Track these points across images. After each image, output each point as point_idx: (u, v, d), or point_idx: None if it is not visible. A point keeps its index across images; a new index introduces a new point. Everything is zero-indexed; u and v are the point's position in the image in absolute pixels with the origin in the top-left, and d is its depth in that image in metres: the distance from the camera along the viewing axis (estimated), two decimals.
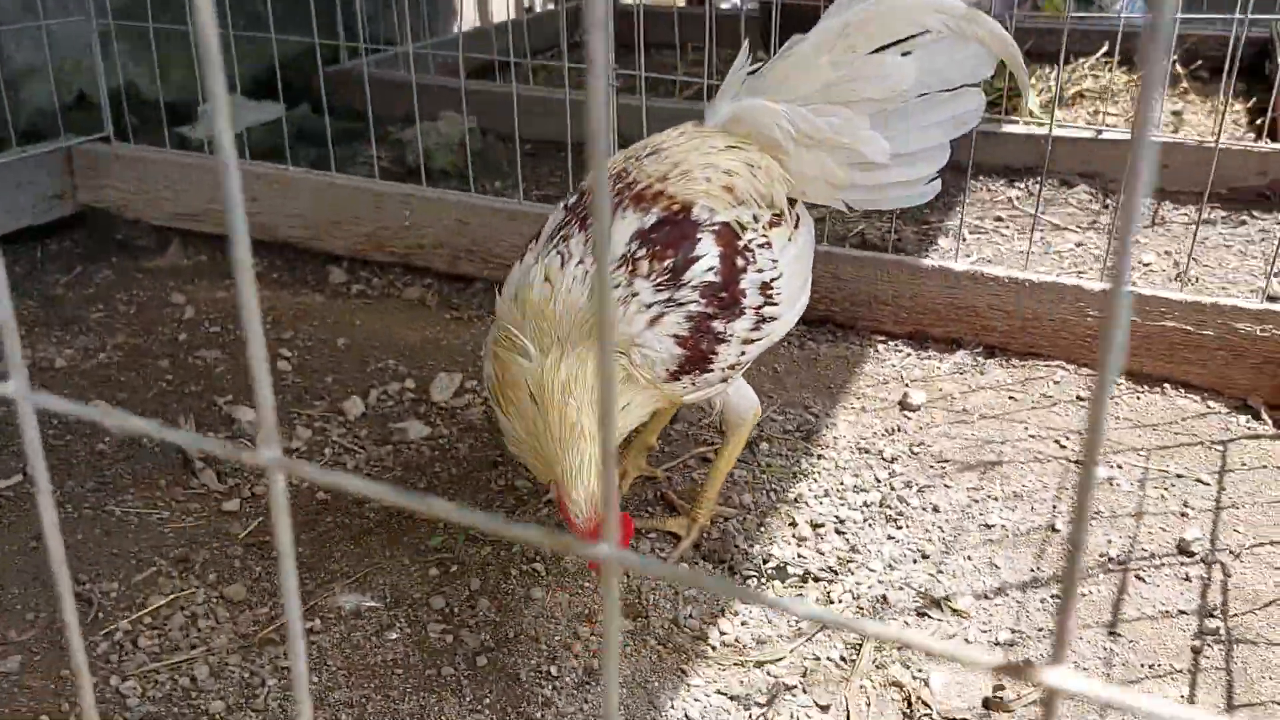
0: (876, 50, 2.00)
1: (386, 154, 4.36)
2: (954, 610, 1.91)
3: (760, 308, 1.91)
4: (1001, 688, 1.74)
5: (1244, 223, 3.56)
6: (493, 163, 4.36)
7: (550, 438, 1.74)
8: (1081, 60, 4.85)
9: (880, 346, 2.81)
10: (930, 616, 1.91)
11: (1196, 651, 1.82)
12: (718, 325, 1.84)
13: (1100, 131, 3.92)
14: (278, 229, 3.48)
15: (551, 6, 6.28)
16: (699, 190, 1.93)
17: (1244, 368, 2.50)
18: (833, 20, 2.00)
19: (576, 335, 1.77)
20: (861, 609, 1.93)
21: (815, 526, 2.14)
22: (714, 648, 1.86)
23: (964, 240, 3.44)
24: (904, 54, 2.01)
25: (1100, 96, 4.66)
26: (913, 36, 2.01)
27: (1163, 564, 2.02)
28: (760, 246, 1.94)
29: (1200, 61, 4.85)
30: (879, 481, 2.28)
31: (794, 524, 2.15)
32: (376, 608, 2.02)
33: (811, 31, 2.03)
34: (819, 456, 2.37)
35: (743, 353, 1.91)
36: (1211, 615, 1.90)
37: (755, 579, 2.02)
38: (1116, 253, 0.43)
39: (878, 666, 1.81)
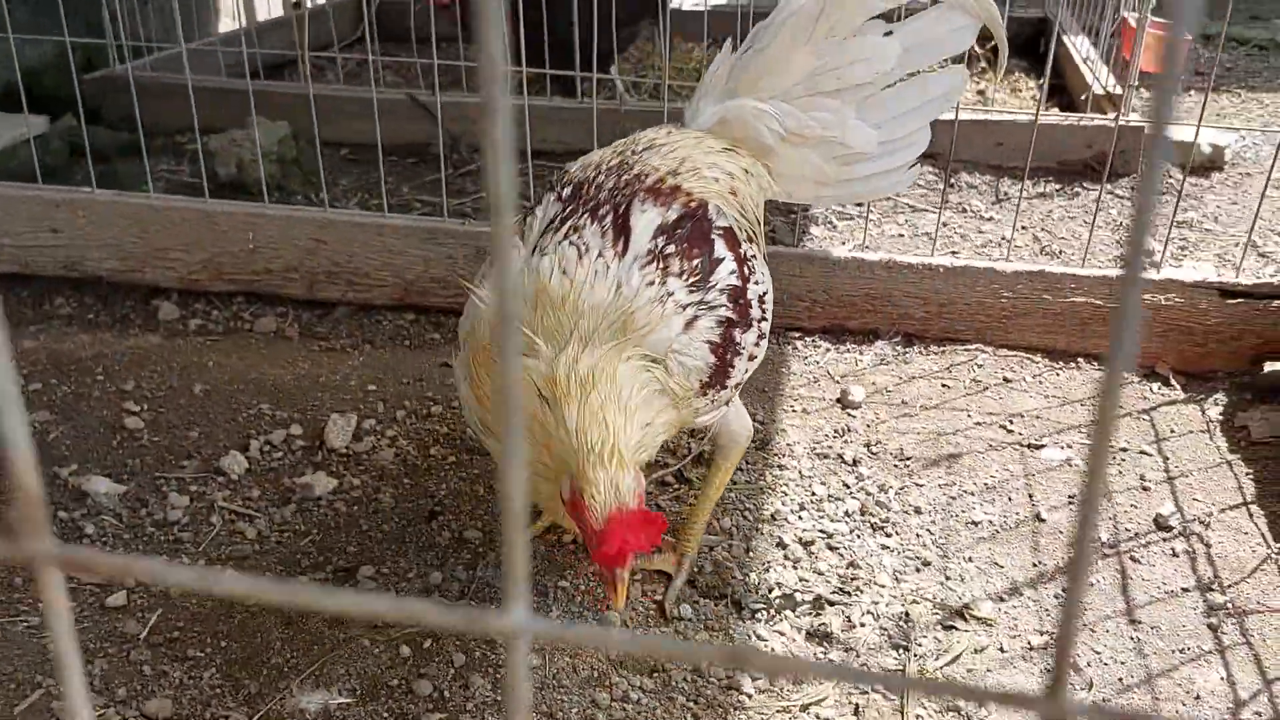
0: (857, 32, 1.88)
1: (188, 167, 3.89)
2: (978, 619, 1.84)
3: (760, 321, 1.77)
4: None
5: (1078, 194, 3.74)
6: (314, 172, 3.98)
7: (565, 430, 1.51)
8: None
9: (798, 343, 2.73)
10: (957, 628, 1.83)
11: (1214, 629, 1.83)
12: (737, 335, 1.68)
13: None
14: (86, 263, 3.00)
15: (323, 2, 5.84)
16: (712, 190, 1.76)
17: (1149, 336, 2.58)
18: (806, 2, 1.87)
19: (603, 332, 1.55)
20: (886, 629, 1.83)
21: (806, 544, 2.02)
22: (749, 696, 1.70)
23: (834, 227, 3.42)
24: (885, 34, 1.91)
25: None
26: (892, 12, 1.91)
27: (1148, 542, 2.04)
28: (752, 258, 1.79)
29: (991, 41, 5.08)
30: (849, 488, 2.19)
31: (783, 545, 2.03)
32: (348, 704, 1.73)
33: (782, 16, 1.89)
34: (780, 467, 2.25)
35: (747, 369, 1.76)
36: (1210, 589, 1.92)
37: (764, 611, 1.88)
38: (1131, 245, 0.41)
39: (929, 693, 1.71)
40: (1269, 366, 2.56)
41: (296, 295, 2.98)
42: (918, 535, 2.04)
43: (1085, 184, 3.79)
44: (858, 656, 1.76)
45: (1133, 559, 1.99)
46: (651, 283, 1.60)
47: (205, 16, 5.40)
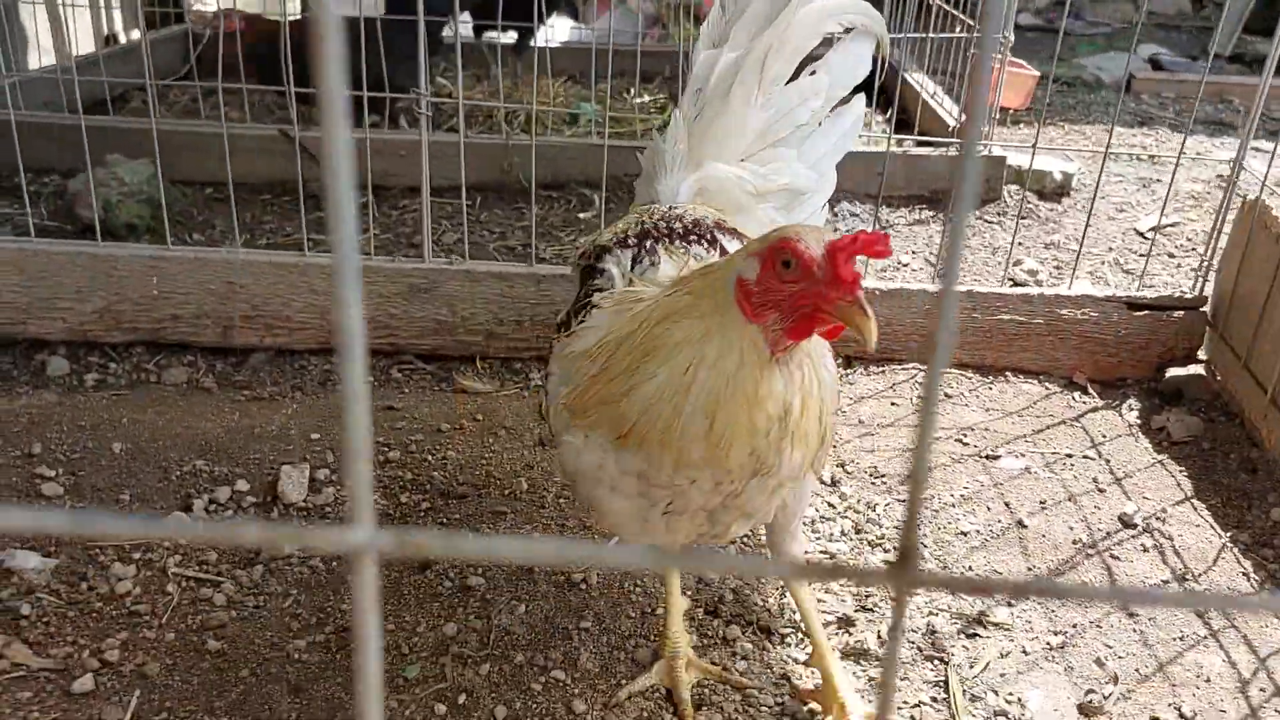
0: (794, 76, 1.94)
1: (44, 210, 3.58)
2: (995, 624, 1.91)
3: None
4: (1092, 692, 1.76)
5: (951, 220, 3.96)
6: (183, 212, 3.74)
7: None
8: None
9: None
10: (980, 635, 1.89)
11: (1201, 615, 1.97)
12: None
13: None
14: None
15: (136, 35, 5.50)
16: (751, 231, 1.76)
17: (1067, 349, 2.77)
18: (746, 56, 1.88)
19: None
20: (914, 642, 1.87)
21: None
22: None
23: None
24: (810, 72, 1.96)
25: None
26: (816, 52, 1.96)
27: (1120, 540, 2.17)
28: None
29: None
30: (836, 508, 2.23)
31: None
32: None
33: (726, 78, 1.90)
34: None
35: None
36: (1185, 579, 2.07)
37: (793, 634, 1.88)
38: (947, 258, 0.48)
39: (973, 699, 1.75)
40: (1171, 372, 2.79)
41: (207, 343, 2.78)
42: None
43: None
44: (900, 669, 1.79)
45: (1113, 557, 2.11)
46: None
47: (13, 51, 4.99)
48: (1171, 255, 3.69)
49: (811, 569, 0.51)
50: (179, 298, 2.73)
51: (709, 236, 1.67)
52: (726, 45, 1.95)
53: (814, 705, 1.72)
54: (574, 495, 2.19)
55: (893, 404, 2.64)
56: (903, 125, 5.05)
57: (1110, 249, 3.73)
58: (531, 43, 5.24)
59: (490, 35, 5.05)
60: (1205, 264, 2.77)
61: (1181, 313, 2.74)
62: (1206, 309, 2.75)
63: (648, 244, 1.65)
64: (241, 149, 3.83)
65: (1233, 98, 5.97)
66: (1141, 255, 3.63)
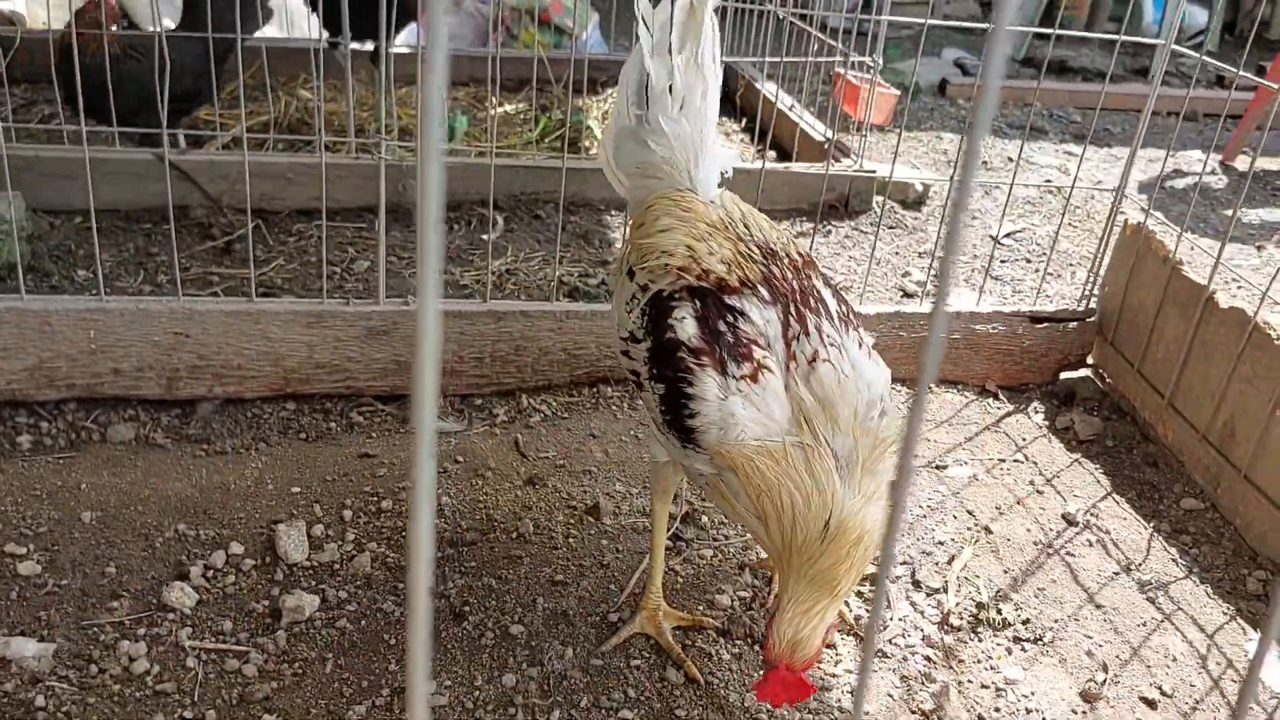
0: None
1: None
2: (994, 625, 2.14)
3: None
4: (1090, 680, 2.02)
5: (830, 231, 4.22)
6: (59, 247, 3.52)
7: (834, 575, 1.65)
8: (609, 90, 5.24)
9: None
10: (980, 634, 2.11)
11: (1152, 601, 2.26)
12: None
13: None
14: None
15: None
16: (798, 246, 1.91)
17: (980, 360, 3.05)
18: (698, 49, 1.95)
19: (863, 440, 1.66)
20: (916, 649, 2.07)
21: None
22: None
23: None
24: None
25: None
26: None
27: (1070, 538, 2.45)
28: None
29: None
30: None
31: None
32: None
33: (692, 71, 1.99)
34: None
35: None
36: (1131, 569, 2.37)
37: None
38: (939, 279, 0.70)
39: (997, 692, 1.97)
40: (1064, 376, 3.13)
41: (149, 396, 2.67)
42: (905, 561, 2.31)
43: (834, 221, 4.29)
44: (908, 670, 1.99)
45: (1068, 553, 2.39)
46: (860, 344, 1.73)
47: None
48: (1028, 260, 4.08)
49: None
50: (119, 351, 2.61)
51: (817, 297, 1.78)
52: (674, 50, 2.00)
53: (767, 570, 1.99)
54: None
55: None
56: (761, 135, 5.30)
57: (975, 256, 4.09)
58: (388, 49, 5.17)
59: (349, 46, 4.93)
60: (1091, 279, 3.12)
61: (1075, 324, 3.08)
62: (1094, 320, 3.10)
63: (789, 312, 1.74)
64: (114, 174, 3.65)
65: (1035, 102, 6.56)
66: (1002, 261, 4.00)
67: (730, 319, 1.74)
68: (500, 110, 4.96)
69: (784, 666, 1.65)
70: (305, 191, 3.83)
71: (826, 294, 1.81)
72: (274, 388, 2.72)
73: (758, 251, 1.82)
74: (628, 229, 2.12)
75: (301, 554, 2.24)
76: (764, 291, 1.76)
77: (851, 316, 1.80)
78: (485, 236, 3.85)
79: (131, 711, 1.89)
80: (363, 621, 2.08)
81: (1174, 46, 2.87)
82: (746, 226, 1.90)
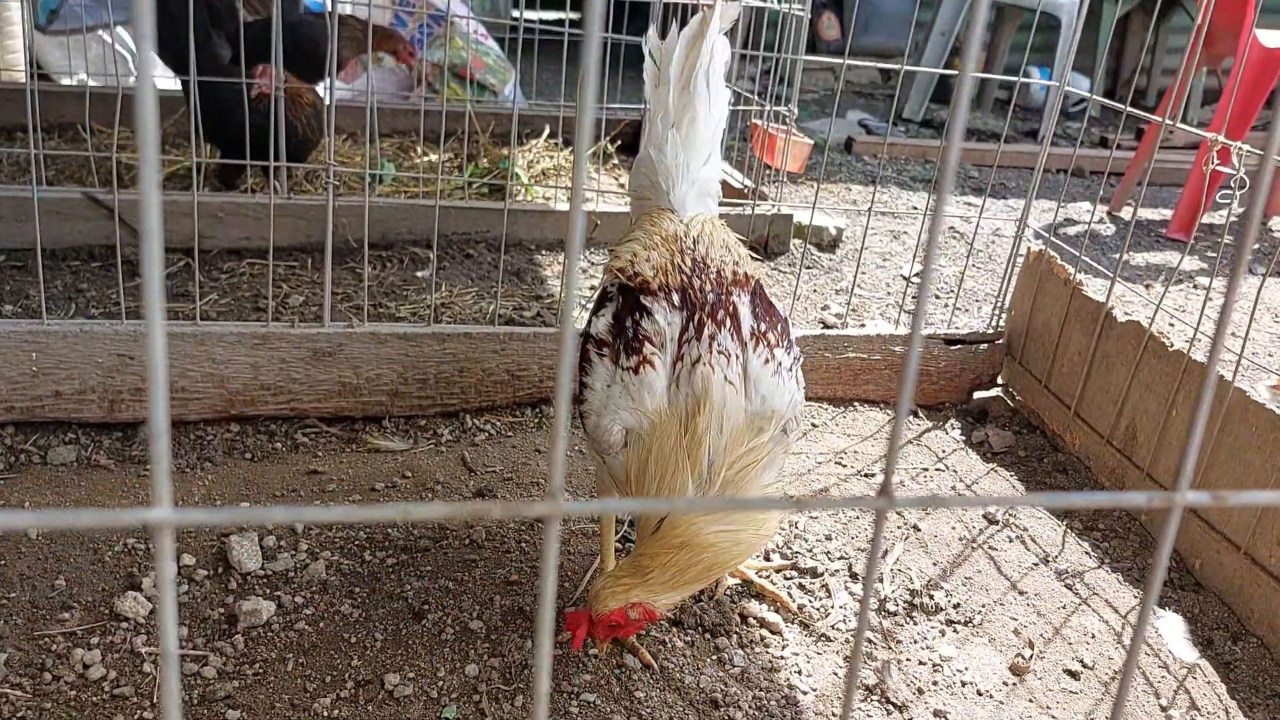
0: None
1: None
2: (925, 610, 2.27)
3: None
4: (1019, 655, 2.15)
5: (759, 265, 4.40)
6: None
7: (648, 567, 1.81)
8: (532, 141, 5.40)
9: None
10: (917, 619, 2.24)
11: (1070, 588, 2.42)
12: None
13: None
14: None
15: None
16: (752, 265, 2.03)
17: (898, 380, 3.22)
18: (691, 80, 2.15)
19: (731, 467, 1.80)
20: (870, 623, 2.19)
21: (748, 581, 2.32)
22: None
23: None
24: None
25: (559, 173, 5.26)
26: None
27: (991, 534, 2.60)
28: None
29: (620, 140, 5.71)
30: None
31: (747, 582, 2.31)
32: None
33: (683, 101, 2.17)
34: None
35: None
36: (1049, 561, 2.53)
37: (738, 632, 2.15)
38: (915, 303, 0.84)
39: (932, 667, 2.09)
40: (976, 395, 3.33)
41: (90, 419, 2.67)
42: (842, 557, 2.43)
43: (756, 257, 4.46)
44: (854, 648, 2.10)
45: (990, 548, 2.54)
46: (765, 361, 1.85)
47: None
48: (937, 296, 4.31)
49: (805, 500, 0.61)
50: (61, 373, 2.61)
51: (733, 311, 1.91)
52: (670, 82, 2.19)
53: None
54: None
55: None
56: None
57: (888, 293, 4.30)
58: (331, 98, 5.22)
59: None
60: (999, 306, 3.34)
61: (985, 346, 3.28)
62: (1003, 342, 3.31)
63: (694, 318, 1.88)
64: (40, 213, 3.65)
65: (934, 159, 6.92)
66: (913, 297, 4.22)
67: (636, 316, 1.90)
68: (426, 159, 5.06)
69: (586, 613, 1.88)
70: (235, 231, 3.87)
71: (744, 311, 1.93)
72: (218, 410, 2.74)
73: (689, 264, 1.96)
74: None
75: (255, 563, 2.27)
76: (675, 297, 1.91)
77: (770, 336, 1.93)
78: (420, 274, 3.93)
79: (90, 715, 1.89)
80: (321, 624, 2.11)
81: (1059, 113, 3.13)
82: (695, 243, 2.03)
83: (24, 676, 1.96)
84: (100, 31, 5.30)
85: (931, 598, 2.31)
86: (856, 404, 3.22)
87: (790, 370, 1.91)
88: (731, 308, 1.90)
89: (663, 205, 2.17)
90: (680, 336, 1.86)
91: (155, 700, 1.93)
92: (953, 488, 2.82)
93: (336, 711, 1.90)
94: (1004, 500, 0.62)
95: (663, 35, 2.27)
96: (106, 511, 0.48)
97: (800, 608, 2.24)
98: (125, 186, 4.01)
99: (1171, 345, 2.64)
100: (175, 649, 0.48)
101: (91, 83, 4.74)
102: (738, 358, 1.85)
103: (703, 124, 2.16)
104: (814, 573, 2.37)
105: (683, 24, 2.24)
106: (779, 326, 1.95)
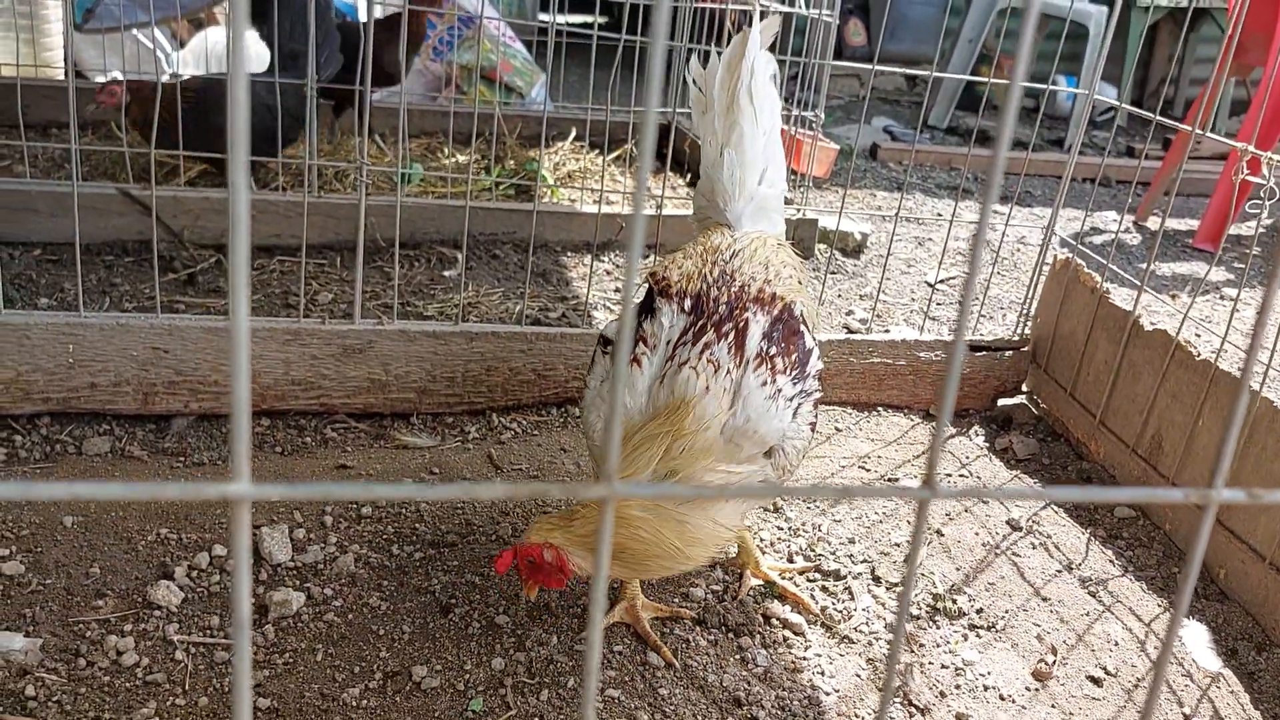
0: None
1: None
2: (949, 614, 2.28)
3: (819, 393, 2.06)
4: (1041, 661, 2.16)
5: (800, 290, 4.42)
6: (21, 275, 3.55)
7: (582, 532, 1.87)
8: (558, 143, 5.43)
9: None
10: (939, 624, 2.25)
11: (1093, 595, 2.42)
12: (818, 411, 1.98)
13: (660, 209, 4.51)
14: None
15: None
16: (793, 289, 2.03)
17: (925, 386, 3.24)
18: (734, 101, 2.18)
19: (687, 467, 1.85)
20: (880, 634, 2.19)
21: (771, 584, 2.34)
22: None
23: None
24: None
25: (584, 175, 5.28)
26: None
27: (1014, 541, 2.61)
28: (816, 342, 2.10)
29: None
30: (783, 530, 2.53)
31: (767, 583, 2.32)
32: None
33: (730, 120, 2.19)
34: None
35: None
36: (1072, 568, 2.53)
37: (763, 632, 2.16)
38: (960, 311, 0.83)
39: (955, 671, 2.10)
40: (1001, 402, 3.33)
41: (125, 410, 2.71)
42: (865, 560, 2.44)
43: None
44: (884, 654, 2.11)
45: (1014, 554, 2.55)
46: (764, 383, 1.86)
47: None
48: (961, 303, 4.31)
49: (853, 489, 0.61)
50: (97, 365, 2.66)
51: (742, 326, 1.92)
52: (714, 105, 2.22)
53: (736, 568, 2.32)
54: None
55: None
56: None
57: (913, 299, 4.31)
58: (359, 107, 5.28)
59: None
60: (1024, 313, 3.34)
61: (1010, 353, 3.29)
62: (1028, 349, 3.31)
63: (696, 325, 1.91)
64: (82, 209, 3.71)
65: (959, 166, 6.91)
66: (938, 304, 4.23)
67: (643, 317, 1.96)
68: (453, 160, 5.10)
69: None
70: (266, 229, 3.92)
71: (755, 330, 1.93)
72: (251, 403, 2.78)
73: (715, 274, 1.99)
74: None
75: (285, 555, 2.30)
76: (687, 303, 1.95)
77: (779, 361, 1.92)
78: (447, 273, 3.97)
79: (123, 700, 1.92)
80: (350, 615, 2.14)
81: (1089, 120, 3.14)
82: (732, 256, 2.05)
83: (59, 661, 1.99)
84: (135, 30, 5.38)
85: (954, 602, 2.32)
86: (880, 409, 3.23)
87: (791, 401, 1.91)
88: (742, 323, 1.91)
89: (720, 222, 2.21)
90: (677, 340, 1.89)
91: (187, 687, 1.96)
92: None
93: (365, 702, 1.92)
94: (1040, 495, 0.64)
95: (704, 61, 2.28)
96: (190, 484, 0.50)
97: (823, 610, 2.26)
98: (159, 184, 4.06)
99: (1199, 355, 2.64)
100: (248, 615, 0.50)
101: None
102: (730, 372, 1.86)
103: (749, 140, 2.18)
104: (837, 575, 2.38)
105: (710, 33, 2.28)
106: (794, 355, 1.95)
